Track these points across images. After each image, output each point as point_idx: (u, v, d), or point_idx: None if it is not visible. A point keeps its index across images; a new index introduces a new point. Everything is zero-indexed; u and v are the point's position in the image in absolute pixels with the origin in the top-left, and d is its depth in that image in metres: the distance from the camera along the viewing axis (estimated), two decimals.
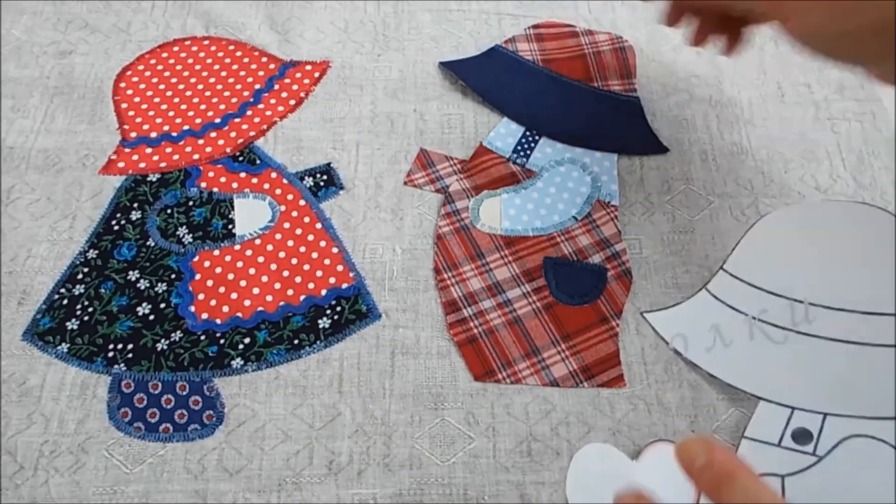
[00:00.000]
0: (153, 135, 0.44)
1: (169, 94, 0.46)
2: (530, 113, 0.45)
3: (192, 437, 0.35)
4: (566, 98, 0.46)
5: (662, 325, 0.37)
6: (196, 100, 0.46)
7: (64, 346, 0.37)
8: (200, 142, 0.44)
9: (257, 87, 0.47)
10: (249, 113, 0.45)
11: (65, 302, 0.38)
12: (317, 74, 0.47)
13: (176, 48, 0.48)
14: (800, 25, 0.30)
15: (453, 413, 0.36)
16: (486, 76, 0.47)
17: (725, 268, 0.38)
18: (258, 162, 0.43)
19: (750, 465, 0.26)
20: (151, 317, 0.38)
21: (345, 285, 0.39)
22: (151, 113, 0.45)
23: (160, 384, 0.36)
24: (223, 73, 0.47)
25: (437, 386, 0.37)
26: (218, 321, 0.38)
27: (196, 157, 0.44)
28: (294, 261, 0.40)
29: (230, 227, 0.41)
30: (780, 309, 0.35)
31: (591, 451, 0.35)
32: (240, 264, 0.40)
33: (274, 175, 0.43)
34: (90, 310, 0.38)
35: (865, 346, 0.34)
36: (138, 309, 0.38)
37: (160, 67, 0.48)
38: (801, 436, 0.32)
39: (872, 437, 0.31)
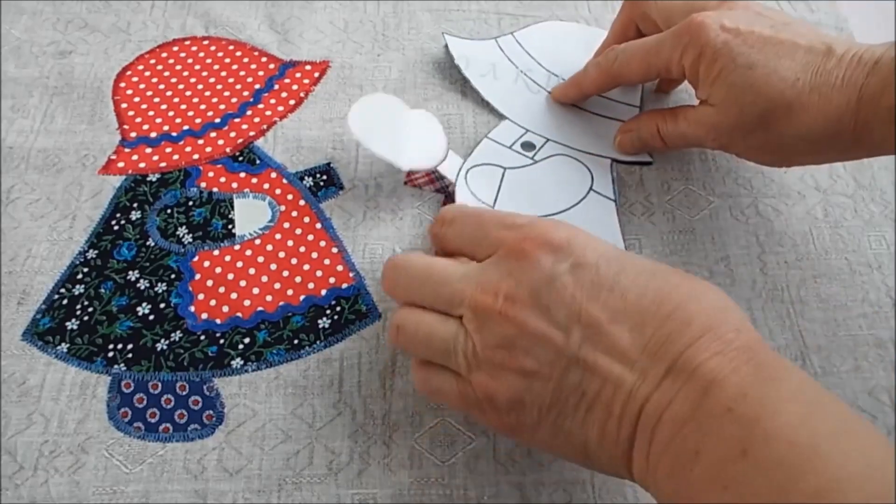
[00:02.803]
0: (153, 135, 0.44)
1: (169, 94, 0.46)
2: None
3: (192, 437, 0.35)
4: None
5: (455, 46, 0.48)
6: (196, 100, 0.46)
7: (64, 346, 0.37)
8: (200, 142, 0.44)
9: (257, 87, 0.47)
10: (249, 113, 0.45)
11: (65, 302, 0.38)
12: (317, 74, 0.47)
13: (176, 48, 0.48)
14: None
15: (453, 413, 0.36)
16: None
17: (515, 35, 0.49)
18: (258, 162, 0.43)
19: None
20: (151, 317, 0.38)
21: (345, 285, 0.39)
22: (151, 113, 0.45)
23: (160, 384, 0.36)
24: (223, 73, 0.47)
25: None
26: (218, 321, 0.38)
27: (196, 157, 0.44)
28: (294, 261, 0.40)
29: (230, 227, 0.41)
30: (540, 75, 0.47)
31: (374, 97, 0.44)
32: (240, 264, 0.40)
33: (274, 175, 0.43)
34: (90, 310, 0.38)
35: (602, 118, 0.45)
36: (138, 309, 0.38)
37: (160, 67, 0.48)
38: (527, 146, 0.43)
39: (574, 158, 0.43)
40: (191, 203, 0.42)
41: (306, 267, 0.40)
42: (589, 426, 0.28)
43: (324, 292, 0.39)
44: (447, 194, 0.42)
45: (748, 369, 0.25)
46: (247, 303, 0.38)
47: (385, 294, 0.39)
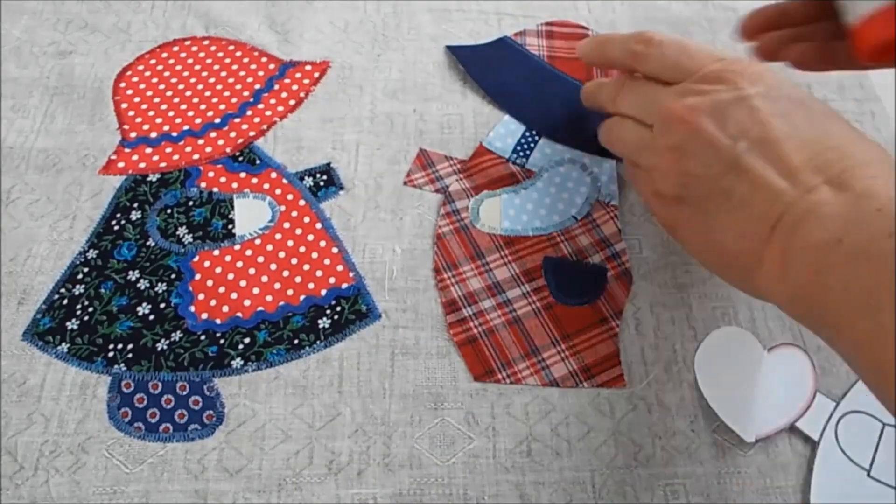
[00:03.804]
0: (153, 135, 0.44)
1: (169, 94, 0.46)
2: (528, 108, 0.45)
3: (192, 437, 0.35)
4: (566, 97, 0.46)
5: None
6: (196, 100, 0.46)
7: (64, 346, 0.37)
8: (200, 142, 0.44)
9: (257, 87, 0.47)
10: (249, 113, 0.45)
11: (65, 302, 0.38)
12: (317, 74, 0.47)
13: (176, 48, 0.48)
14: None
15: (453, 413, 0.36)
16: (489, 66, 0.47)
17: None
18: (258, 162, 0.43)
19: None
20: (151, 317, 0.38)
21: (345, 285, 0.39)
22: (151, 113, 0.45)
23: (160, 384, 0.36)
24: (223, 73, 0.47)
25: (436, 386, 0.37)
26: (218, 321, 0.38)
27: (196, 157, 0.44)
28: (294, 261, 0.40)
29: (230, 227, 0.41)
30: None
31: (725, 331, 0.38)
32: (240, 264, 0.40)
33: (274, 175, 0.43)
34: (90, 310, 0.38)
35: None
36: (138, 309, 0.38)
37: (160, 67, 0.48)
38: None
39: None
40: (191, 203, 0.42)
41: (306, 267, 0.40)
42: (730, 226, 0.31)
43: (324, 292, 0.39)
44: (447, 194, 0.42)
45: None
46: (247, 303, 0.38)
47: (385, 294, 0.39)
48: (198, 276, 0.39)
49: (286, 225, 0.41)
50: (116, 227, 0.41)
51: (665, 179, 0.34)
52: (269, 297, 0.39)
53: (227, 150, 0.44)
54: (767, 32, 0.42)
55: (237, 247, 0.40)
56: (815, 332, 0.29)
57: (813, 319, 0.28)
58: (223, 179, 0.43)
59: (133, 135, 0.44)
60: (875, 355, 0.25)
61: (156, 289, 0.39)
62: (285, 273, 0.39)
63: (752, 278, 0.31)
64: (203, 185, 0.42)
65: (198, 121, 0.45)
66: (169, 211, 0.42)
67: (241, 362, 0.37)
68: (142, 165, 0.43)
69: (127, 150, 0.44)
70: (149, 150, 0.44)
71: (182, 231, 0.41)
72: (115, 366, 0.37)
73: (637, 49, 0.37)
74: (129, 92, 0.46)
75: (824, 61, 0.41)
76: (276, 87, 0.47)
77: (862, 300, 0.25)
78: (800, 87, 0.32)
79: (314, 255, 0.40)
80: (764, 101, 0.31)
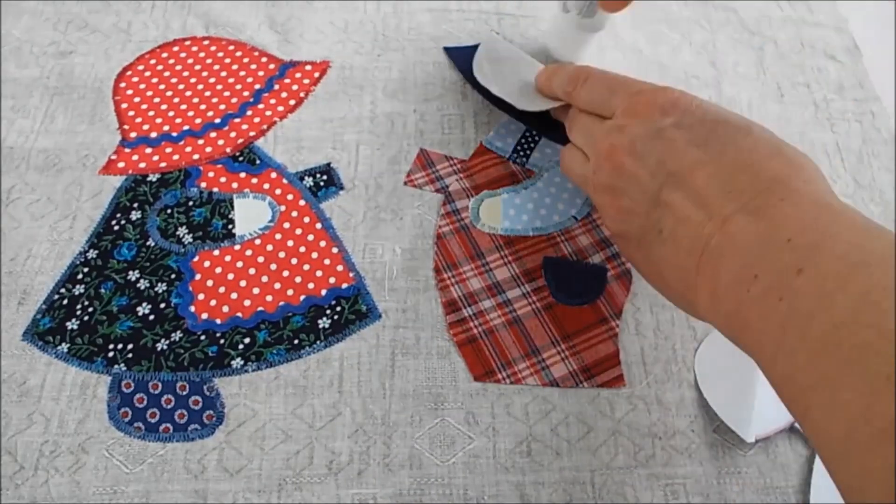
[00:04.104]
0: (153, 135, 0.44)
1: (169, 94, 0.46)
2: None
3: (192, 437, 0.35)
4: None
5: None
6: (196, 100, 0.46)
7: (64, 346, 0.37)
8: (200, 142, 0.44)
9: (257, 87, 0.47)
10: (249, 113, 0.45)
11: (65, 302, 0.38)
12: (317, 74, 0.47)
13: (176, 48, 0.48)
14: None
15: (453, 413, 0.36)
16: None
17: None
18: (258, 162, 0.43)
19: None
20: (151, 317, 0.38)
21: (345, 285, 0.39)
22: (151, 113, 0.45)
23: (160, 384, 0.36)
24: (223, 74, 0.47)
25: (437, 386, 0.37)
26: (218, 321, 0.38)
27: (196, 157, 0.44)
28: (294, 261, 0.40)
29: (230, 227, 0.41)
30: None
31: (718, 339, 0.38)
32: (240, 264, 0.40)
33: (274, 175, 0.43)
34: (90, 310, 0.38)
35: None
36: (138, 309, 0.38)
37: (160, 67, 0.48)
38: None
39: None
40: (191, 203, 0.42)
41: (306, 267, 0.40)
42: (665, 259, 0.32)
43: (324, 292, 0.39)
44: (447, 194, 0.42)
45: (809, 208, 0.27)
46: (247, 303, 0.38)
47: (385, 294, 0.39)
48: (198, 276, 0.39)
49: (286, 225, 0.41)
50: (116, 227, 0.41)
51: (607, 216, 0.35)
52: (269, 297, 0.39)
53: (227, 150, 0.44)
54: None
55: (237, 247, 0.40)
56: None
57: (745, 350, 0.29)
58: (223, 179, 0.43)
59: (133, 135, 0.44)
60: (793, 396, 0.25)
61: (156, 289, 0.39)
62: (285, 273, 0.39)
63: (692, 306, 0.31)
64: (203, 185, 0.42)
65: (198, 121, 0.45)
66: (169, 211, 0.42)
67: (241, 362, 0.37)
68: (142, 165, 0.43)
69: (127, 150, 0.44)
70: (149, 150, 0.44)
71: (182, 231, 0.41)
72: (116, 366, 0.37)
73: (568, 89, 0.38)
74: (130, 92, 0.46)
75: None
76: (277, 87, 0.47)
77: (780, 340, 0.25)
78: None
79: (314, 255, 0.40)
80: (677, 130, 0.32)
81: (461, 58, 0.47)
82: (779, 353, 0.25)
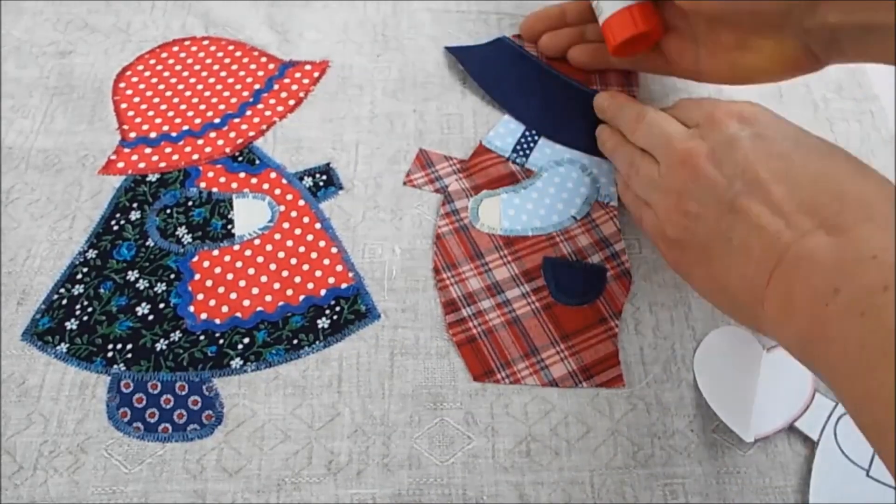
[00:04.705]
0: (152, 135, 0.44)
1: (168, 94, 0.46)
2: (527, 108, 0.45)
3: (191, 437, 0.35)
4: (564, 98, 0.46)
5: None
6: (195, 100, 0.46)
7: (63, 346, 0.37)
8: (200, 142, 0.44)
9: (257, 87, 0.47)
10: (249, 113, 0.45)
11: (64, 302, 0.38)
12: (316, 74, 0.47)
13: (176, 48, 0.49)
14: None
15: (452, 413, 0.36)
16: (488, 66, 0.47)
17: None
18: (257, 162, 0.43)
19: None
20: (151, 317, 0.38)
21: (344, 285, 0.39)
22: (151, 113, 0.45)
23: (159, 384, 0.36)
24: (223, 74, 0.47)
25: (436, 386, 0.37)
26: (217, 321, 0.38)
27: (195, 157, 0.44)
28: (293, 261, 0.40)
29: (229, 227, 0.41)
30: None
31: (725, 331, 0.38)
32: (239, 264, 0.40)
33: (273, 175, 0.43)
34: (89, 310, 0.38)
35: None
36: (137, 309, 0.38)
37: (160, 67, 0.48)
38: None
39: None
40: (190, 203, 0.42)
41: (306, 267, 0.40)
42: (732, 270, 0.31)
43: (323, 292, 0.39)
44: (447, 194, 0.42)
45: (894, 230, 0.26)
46: (246, 303, 0.38)
47: (384, 294, 0.39)
48: (197, 276, 0.39)
49: (285, 225, 0.41)
50: (116, 227, 0.41)
51: (669, 221, 0.34)
52: (268, 297, 0.39)
53: (227, 150, 0.44)
54: (549, 32, 0.45)
55: (236, 247, 0.40)
56: (820, 379, 0.28)
57: (815, 367, 0.28)
58: (223, 179, 0.43)
59: (132, 135, 0.44)
60: (873, 416, 0.25)
61: (155, 289, 0.39)
62: (284, 273, 0.39)
63: (758, 320, 0.31)
64: (202, 185, 0.43)
65: (197, 121, 0.45)
66: (168, 211, 0.42)
67: (241, 362, 0.37)
68: (141, 165, 0.43)
69: (126, 150, 0.44)
70: (148, 151, 0.44)
71: (181, 231, 0.41)
72: (115, 366, 0.37)
73: (633, 129, 0.38)
74: (129, 92, 0.46)
75: (597, 60, 0.45)
76: (276, 87, 0.47)
77: (859, 356, 0.25)
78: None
79: (313, 255, 0.40)
80: (758, 140, 0.32)
81: (466, 57, 0.47)
82: (857, 370, 0.25)
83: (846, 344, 0.25)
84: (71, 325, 0.38)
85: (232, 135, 0.44)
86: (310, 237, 0.41)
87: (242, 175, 0.43)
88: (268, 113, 0.45)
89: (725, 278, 0.31)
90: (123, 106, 0.46)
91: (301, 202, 0.42)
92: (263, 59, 0.48)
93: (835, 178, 0.29)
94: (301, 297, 0.39)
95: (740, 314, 0.32)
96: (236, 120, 0.45)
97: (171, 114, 0.45)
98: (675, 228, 0.34)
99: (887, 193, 0.28)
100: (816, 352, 0.27)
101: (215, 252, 0.40)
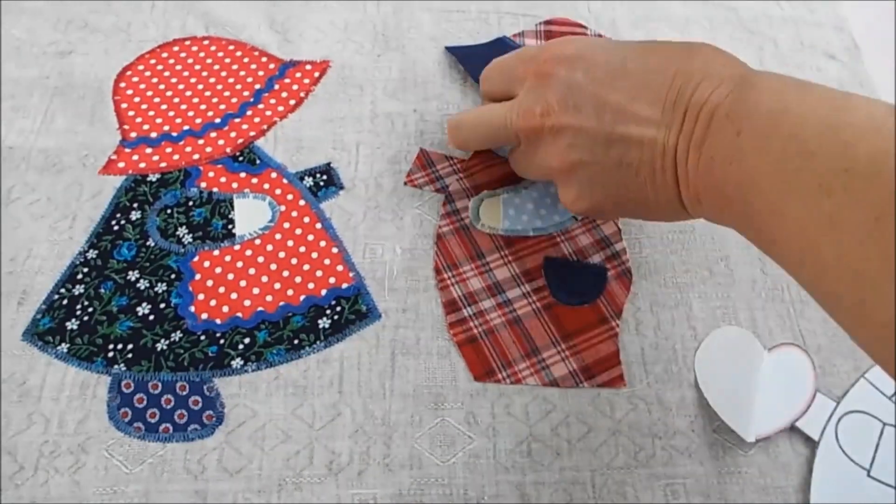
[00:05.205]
0: (153, 135, 0.44)
1: (169, 94, 0.46)
2: None
3: (191, 437, 0.35)
4: None
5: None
6: (196, 100, 0.46)
7: (64, 346, 0.37)
8: (200, 142, 0.44)
9: (257, 87, 0.47)
10: (249, 113, 0.45)
11: (65, 302, 0.38)
12: (317, 74, 0.47)
13: (176, 48, 0.48)
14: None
15: (453, 413, 0.36)
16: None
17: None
18: (258, 162, 0.43)
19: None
20: (151, 317, 0.38)
21: (345, 285, 0.39)
22: (151, 113, 0.45)
23: (160, 384, 0.36)
24: (223, 73, 0.47)
25: (437, 386, 0.37)
26: (218, 321, 0.38)
27: (196, 157, 0.44)
28: (294, 261, 0.40)
29: (230, 227, 0.41)
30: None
31: (725, 331, 0.39)
32: (240, 264, 0.40)
33: (274, 175, 0.43)
34: (90, 310, 0.38)
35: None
36: (138, 309, 0.38)
37: (160, 67, 0.48)
38: None
39: None
40: (191, 203, 0.42)
41: (306, 267, 0.40)
42: (644, 187, 0.32)
43: (324, 292, 0.39)
44: (447, 194, 0.42)
45: (738, 84, 0.29)
46: (247, 303, 0.38)
47: (385, 294, 0.39)
48: (198, 277, 0.39)
49: (286, 225, 0.41)
50: (116, 228, 0.41)
51: (578, 193, 0.35)
52: (269, 298, 0.39)
53: (228, 150, 0.44)
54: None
55: (237, 247, 0.40)
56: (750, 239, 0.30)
57: (741, 212, 0.29)
58: (223, 179, 0.43)
59: (133, 135, 0.44)
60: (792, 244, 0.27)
61: (156, 289, 0.39)
62: (285, 273, 0.39)
63: (684, 213, 0.32)
64: (203, 185, 0.42)
65: (198, 121, 0.45)
66: (169, 211, 0.42)
67: (241, 362, 0.37)
68: (142, 165, 0.43)
69: (127, 150, 0.44)
70: (149, 150, 0.44)
71: (182, 231, 0.41)
72: (115, 366, 0.37)
73: (486, 88, 0.40)
74: (129, 92, 0.46)
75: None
76: (277, 86, 0.47)
77: (773, 169, 0.26)
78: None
79: (314, 255, 0.40)
80: (589, 74, 0.33)
81: (467, 57, 0.47)
82: (773, 183, 0.26)
83: (759, 164, 0.27)
84: (71, 325, 0.38)
85: (232, 135, 0.44)
86: (310, 237, 0.41)
87: (243, 175, 0.43)
88: (268, 113, 0.45)
89: (643, 196, 0.33)
90: (124, 106, 0.46)
91: (302, 202, 0.42)
92: (264, 59, 0.48)
93: (672, 66, 0.31)
94: (302, 297, 0.39)
95: (668, 216, 0.34)
96: (237, 120, 0.45)
97: (171, 113, 0.45)
98: (589, 192, 0.34)
99: (715, 55, 0.32)
100: (750, 197, 0.28)
101: (216, 252, 0.40)
